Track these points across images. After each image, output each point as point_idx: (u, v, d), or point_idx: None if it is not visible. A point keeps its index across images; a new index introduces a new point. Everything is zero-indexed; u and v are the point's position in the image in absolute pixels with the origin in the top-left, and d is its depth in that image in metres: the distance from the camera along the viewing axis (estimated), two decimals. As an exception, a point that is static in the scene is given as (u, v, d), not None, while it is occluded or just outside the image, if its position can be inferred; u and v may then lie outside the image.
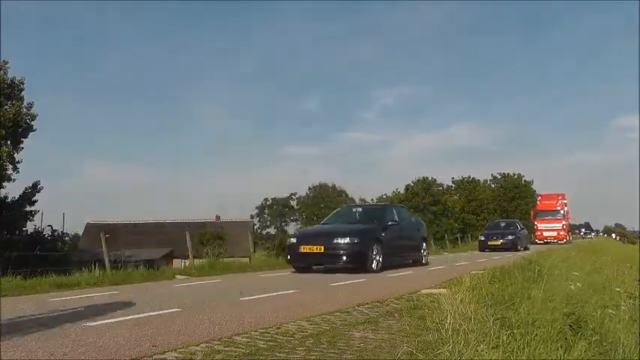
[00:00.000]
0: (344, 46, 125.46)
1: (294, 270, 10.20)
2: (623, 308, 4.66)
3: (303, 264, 10.00)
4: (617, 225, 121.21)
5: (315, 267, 10.08)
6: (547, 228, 36.31)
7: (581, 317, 4.06)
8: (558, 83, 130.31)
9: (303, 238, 10.26)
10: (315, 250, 9.61)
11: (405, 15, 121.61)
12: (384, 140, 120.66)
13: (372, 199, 57.74)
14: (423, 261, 11.94)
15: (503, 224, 23.87)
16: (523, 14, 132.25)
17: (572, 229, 51.32)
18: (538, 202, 40.47)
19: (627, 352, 3.32)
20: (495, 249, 20.77)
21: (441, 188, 53.74)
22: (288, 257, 10.30)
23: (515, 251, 19.46)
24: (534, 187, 52.47)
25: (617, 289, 5.99)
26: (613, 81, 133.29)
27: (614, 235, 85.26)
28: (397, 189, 55.29)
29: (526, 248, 21.72)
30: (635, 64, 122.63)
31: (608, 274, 8.56)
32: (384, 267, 9.90)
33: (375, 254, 9.73)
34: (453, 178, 54.90)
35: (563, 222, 36.75)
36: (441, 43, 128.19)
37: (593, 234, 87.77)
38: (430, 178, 53.57)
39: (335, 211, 13.37)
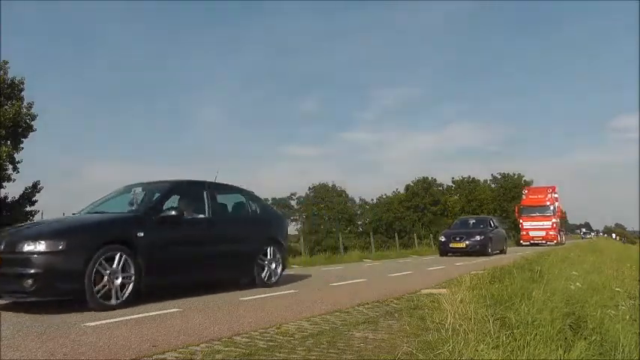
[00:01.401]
0: (344, 45, 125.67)
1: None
2: (623, 308, 4.66)
3: None
4: (617, 225, 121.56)
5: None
6: (534, 227, 31.20)
7: (581, 317, 4.07)
8: (558, 83, 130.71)
9: None
10: None
11: (405, 15, 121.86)
12: (384, 140, 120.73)
13: (372, 199, 57.83)
14: (270, 279, 7.14)
15: (472, 221, 19.25)
16: (523, 14, 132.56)
17: (569, 228, 49.98)
18: (524, 197, 34.53)
19: (627, 352, 3.32)
20: (461, 253, 16.58)
21: (441, 188, 53.75)
22: None
23: (484, 256, 15.71)
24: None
25: (617, 289, 5.98)
26: (613, 81, 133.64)
27: (614, 235, 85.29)
28: (397, 189, 55.33)
29: (502, 251, 18.27)
30: (635, 64, 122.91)
31: (608, 274, 8.55)
32: (147, 296, 5.53)
33: (115, 273, 5.19)
34: (453, 178, 54.89)
35: (554, 219, 31.34)
36: (440, 43, 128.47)
37: (592, 234, 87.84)
38: (430, 178, 53.61)
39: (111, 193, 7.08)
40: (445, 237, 17.52)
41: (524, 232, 31.64)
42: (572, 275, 6.85)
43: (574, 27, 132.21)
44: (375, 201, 57.16)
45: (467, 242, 16.63)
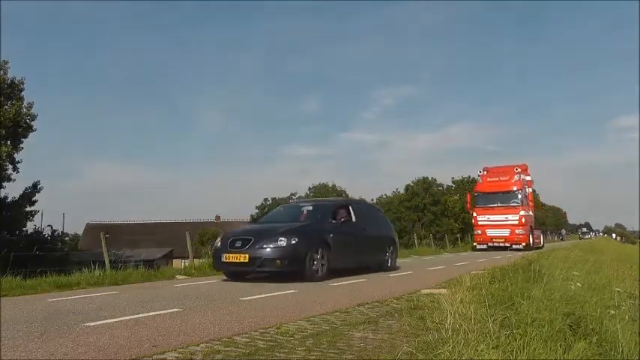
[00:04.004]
0: (344, 46, 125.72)
1: None
2: (623, 308, 4.66)
3: None
4: (617, 225, 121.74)
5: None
6: (493, 223, 21.71)
7: (581, 317, 4.07)
8: (558, 83, 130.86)
9: None
10: None
11: (404, 15, 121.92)
12: (384, 140, 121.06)
13: (372, 199, 57.83)
14: None
15: (307, 208, 9.58)
16: (523, 14, 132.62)
17: (569, 228, 45.89)
18: (479, 180, 24.22)
19: (627, 352, 3.32)
20: (243, 271, 8.21)
21: (441, 188, 53.75)
22: None
23: (303, 280, 7.73)
24: (534, 187, 52.16)
25: (617, 289, 5.99)
26: (613, 81, 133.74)
27: (614, 235, 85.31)
28: (397, 189, 55.33)
29: (382, 266, 9.86)
30: (635, 64, 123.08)
31: (608, 274, 8.56)
32: None
33: None
34: (452, 178, 54.91)
35: (523, 212, 21.54)
36: (440, 42, 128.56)
37: (592, 234, 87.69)
38: (430, 178, 53.61)
39: None
40: (222, 242, 8.62)
41: (479, 231, 22.43)
42: (572, 275, 6.85)
43: (574, 27, 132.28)
44: (375, 201, 57.20)
45: (253, 252, 7.93)
